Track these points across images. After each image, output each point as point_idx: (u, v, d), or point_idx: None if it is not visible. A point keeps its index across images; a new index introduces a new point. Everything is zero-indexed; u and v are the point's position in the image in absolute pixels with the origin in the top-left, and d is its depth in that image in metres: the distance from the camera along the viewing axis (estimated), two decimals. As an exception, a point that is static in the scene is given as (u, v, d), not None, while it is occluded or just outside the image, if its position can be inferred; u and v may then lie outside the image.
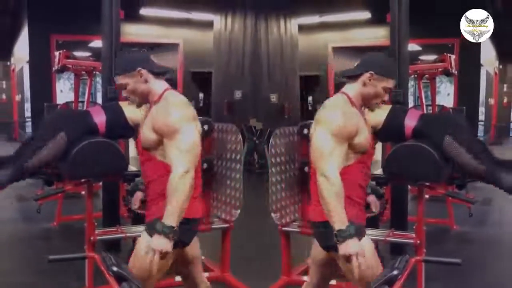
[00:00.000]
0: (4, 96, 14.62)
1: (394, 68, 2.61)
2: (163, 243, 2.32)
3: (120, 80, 2.72)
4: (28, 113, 11.91)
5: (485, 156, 3.09)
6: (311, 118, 3.87)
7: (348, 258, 2.36)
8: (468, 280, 3.84)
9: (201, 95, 9.34)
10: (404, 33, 3.97)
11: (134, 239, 3.76)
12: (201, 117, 3.71)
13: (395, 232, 3.62)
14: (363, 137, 2.59)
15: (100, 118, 3.22)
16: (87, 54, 7.82)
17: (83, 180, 3.32)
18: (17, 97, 13.11)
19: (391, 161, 3.20)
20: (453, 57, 6.21)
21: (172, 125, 2.46)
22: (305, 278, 3.52)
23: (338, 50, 9.23)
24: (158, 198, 2.52)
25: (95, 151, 3.08)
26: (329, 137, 2.48)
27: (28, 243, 4.86)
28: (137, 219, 4.25)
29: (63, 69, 5.64)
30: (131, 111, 3.36)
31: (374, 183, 3.66)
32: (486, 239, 4.93)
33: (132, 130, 3.38)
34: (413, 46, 8.11)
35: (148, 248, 2.36)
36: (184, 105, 2.56)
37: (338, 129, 2.49)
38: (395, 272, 2.36)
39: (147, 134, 2.59)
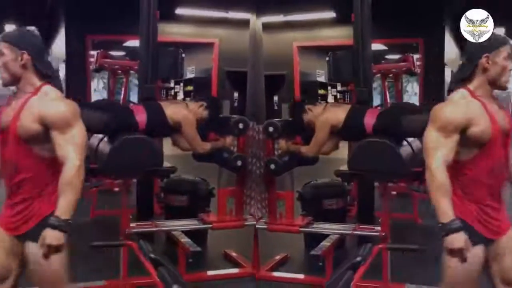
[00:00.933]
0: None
1: (497, 36, 2.58)
2: (59, 237, 2.16)
3: (2, 45, 2.32)
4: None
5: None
6: (277, 117, 4.02)
7: (451, 252, 2.24)
8: (430, 269, 3.82)
9: (235, 94, 9.42)
10: (367, 33, 3.98)
11: (167, 233, 3.89)
12: (235, 116, 3.83)
13: (361, 226, 3.74)
14: (480, 128, 2.31)
15: (141, 116, 3.36)
16: (122, 53, 7.97)
17: (118, 176, 3.44)
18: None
19: (355, 157, 3.36)
20: (416, 56, 6.24)
21: (66, 118, 2.26)
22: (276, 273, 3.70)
23: (303, 49, 9.28)
24: (35, 197, 2.28)
25: (133, 147, 3.20)
26: (433, 131, 2.35)
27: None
28: (170, 212, 4.39)
29: (100, 69, 5.79)
30: (172, 110, 3.50)
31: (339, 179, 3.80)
32: None
33: (171, 129, 3.52)
34: (379, 46, 8.26)
35: (43, 246, 2.17)
36: (69, 101, 2.33)
37: (442, 122, 2.34)
38: (358, 259, 2.45)
39: (27, 125, 2.24)
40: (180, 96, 9.66)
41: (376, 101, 6.38)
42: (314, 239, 3.85)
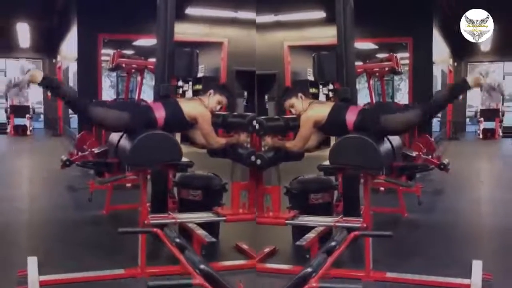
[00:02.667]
0: (49, 93, 15.16)
1: None
2: None
3: None
4: (72, 109, 12.28)
5: (414, 107, 3.49)
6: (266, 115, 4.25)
7: None
8: (411, 260, 4.18)
9: (245, 93, 9.60)
10: (349, 33, 4.09)
11: (181, 225, 4.07)
12: (251, 113, 4.01)
13: (344, 218, 3.93)
14: None
15: (160, 113, 3.56)
16: (131, 52, 8.16)
17: (141, 168, 3.62)
18: (62, 94, 13.52)
19: (336, 152, 3.58)
20: (399, 56, 6.44)
21: None
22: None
23: (294, 49, 9.44)
24: None
25: (154, 142, 3.39)
26: None
27: (82, 228, 5.20)
28: (184, 206, 4.56)
29: (116, 68, 5.96)
30: (189, 107, 3.69)
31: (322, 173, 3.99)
32: (432, 224, 5.39)
33: (189, 125, 3.71)
34: (369, 45, 8.43)
35: None
36: None
37: None
38: (333, 243, 2.63)
39: None
40: (189, 94, 9.87)
41: (367, 99, 6.61)
42: (301, 232, 4.02)
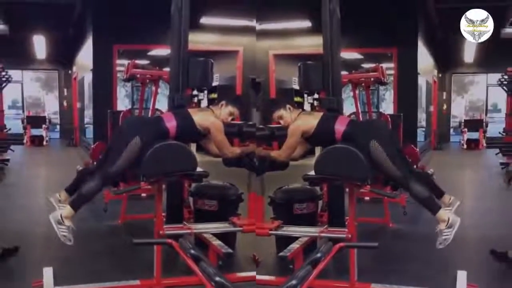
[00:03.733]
0: (65, 103, 15.34)
1: None
2: None
3: None
4: (87, 119, 12.43)
5: (400, 162, 3.47)
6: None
7: None
8: (397, 269, 4.21)
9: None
10: (335, 43, 4.04)
11: (196, 236, 4.04)
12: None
13: (329, 229, 3.89)
14: None
15: (171, 123, 3.54)
16: (146, 62, 8.17)
17: (156, 178, 3.60)
18: (78, 104, 13.72)
19: (322, 162, 3.53)
20: (385, 66, 6.40)
21: None
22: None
23: (279, 57, 9.39)
24: None
25: (168, 152, 3.38)
26: None
27: (97, 238, 5.19)
28: (199, 217, 4.54)
29: (131, 78, 5.97)
30: (200, 117, 3.67)
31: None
32: (418, 234, 5.31)
33: (200, 135, 3.69)
34: (354, 55, 8.55)
35: None
36: None
37: None
38: (318, 255, 2.57)
39: None
40: (204, 103, 9.87)
41: (351, 108, 6.60)
42: (285, 242, 3.96)
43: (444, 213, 3.42)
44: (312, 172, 3.64)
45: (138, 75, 5.91)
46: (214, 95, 9.13)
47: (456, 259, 4.44)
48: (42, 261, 4.24)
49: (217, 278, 2.27)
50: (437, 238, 3.44)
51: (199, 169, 3.70)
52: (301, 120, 3.72)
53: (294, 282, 2.30)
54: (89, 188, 3.41)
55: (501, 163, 9.16)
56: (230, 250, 3.63)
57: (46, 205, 6.45)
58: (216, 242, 3.75)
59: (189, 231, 3.81)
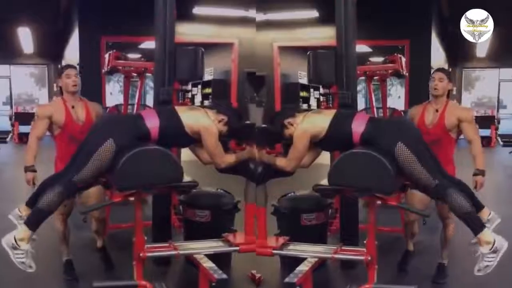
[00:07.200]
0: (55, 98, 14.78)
1: None
2: None
3: None
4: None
5: (434, 167, 2.90)
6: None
7: None
8: None
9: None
10: (351, 33, 3.76)
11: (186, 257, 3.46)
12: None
13: (343, 248, 3.25)
14: None
15: (153, 123, 2.95)
16: (138, 56, 7.64)
17: (131, 191, 3.01)
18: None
19: (338, 170, 2.92)
20: (403, 58, 5.80)
21: None
22: None
23: (285, 50, 8.84)
24: None
25: (146, 160, 2.79)
26: None
27: (76, 252, 4.56)
28: (190, 229, 3.96)
29: (113, 71, 5.41)
30: (189, 117, 3.06)
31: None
32: (438, 247, 4.31)
33: (189, 139, 3.07)
34: (362, 48, 7.75)
35: None
36: None
37: None
38: None
39: None
40: (198, 99, 9.31)
41: (361, 105, 6.04)
42: (292, 261, 3.39)
43: (489, 234, 2.82)
44: (325, 180, 3.04)
45: (121, 68, 5.33)
46: (209, 90, 8.59)
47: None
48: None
49: None
50: (477, 263, 2.85)
51: (186, 177, 3.10)
52: (308, 123, 3.10)
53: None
54: (48, 200, 2.83)
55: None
56: (224, 276, 3.02)
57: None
58: (208, 265, 3.15)
59: (175, 252, 3.20)
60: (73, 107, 3.66)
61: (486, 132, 13.16)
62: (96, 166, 2.81)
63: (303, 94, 8.21)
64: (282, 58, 8.76)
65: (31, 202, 3.02)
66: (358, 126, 2.95)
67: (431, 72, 4.02)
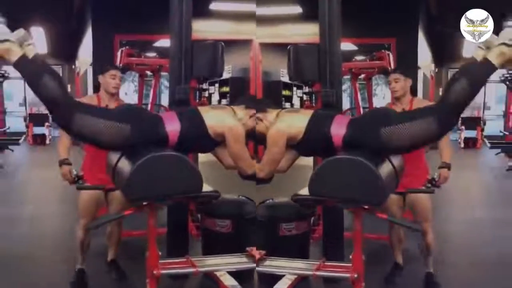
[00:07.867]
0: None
1: None
2: None
3: None
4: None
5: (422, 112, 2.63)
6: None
7: None
8: None
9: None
10: (335, 30, 3.56)
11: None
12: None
13: (326, 263, 2.89)
14: None
15: (173, 126, 2.61)
16: (153, 54, 7.39)
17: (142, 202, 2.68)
18: (81, 100, 13.06)
19: (320, 178, 2.54)
20: (391, 54, 5.48)
21: None
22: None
23: (266, 47, 8.53)
24: None
25: (160, 167, 2.46)
26: None
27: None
28: (209, 240, 3.66)
29: (126, 69, 5.11)
30: (213, 118, 2.71)
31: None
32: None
33: (211, 143, 2.73)
34: (348, 46, 7.51)
35: None
36: None
37: None
38: None
39: None
40: (215, 98, 9.00)
41: (345, 105, 5.72)
42: (271, 277, 3.09)
43: None
44: (305, 189, 2.66)
45: (134, 65, 5.04)
46: (226, 89, 8.30)
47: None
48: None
49: None
50: None
51: (206, 186, 2.76)
52: (283, 122, 2.73)
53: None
54: None
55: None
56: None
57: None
58: (230, 283, 2.82)
59: (193, 270, 2.87)
60: (106, 106, 3.56)
61: (472, 134, 13.34)
62: (103, 129, 2.53)
63: (285, 92, 7.89)
64: (264, 55, 8.50)
65: None
66: (338, 129, 2.60)
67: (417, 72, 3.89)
